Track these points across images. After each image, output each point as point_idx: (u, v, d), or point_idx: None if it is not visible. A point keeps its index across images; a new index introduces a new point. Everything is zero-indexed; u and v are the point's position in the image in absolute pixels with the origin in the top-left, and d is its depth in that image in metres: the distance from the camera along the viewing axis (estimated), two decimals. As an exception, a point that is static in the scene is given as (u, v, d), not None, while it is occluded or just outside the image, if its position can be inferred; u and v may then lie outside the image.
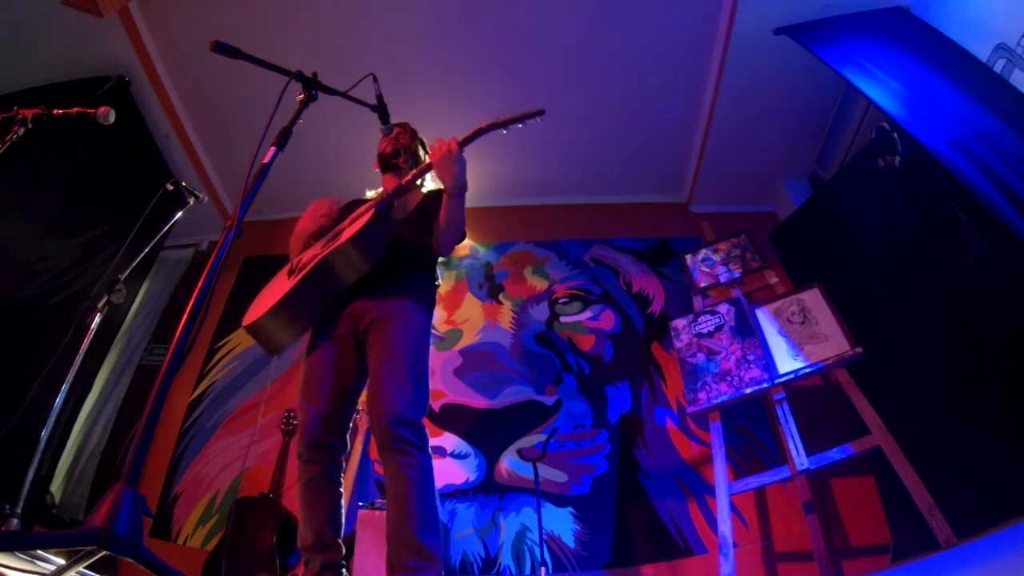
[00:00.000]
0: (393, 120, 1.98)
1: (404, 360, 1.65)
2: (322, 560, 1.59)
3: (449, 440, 3.22)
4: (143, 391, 3.58)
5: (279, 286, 1.76)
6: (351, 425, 1.82)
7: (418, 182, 2.15)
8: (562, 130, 3.93)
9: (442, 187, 1.85)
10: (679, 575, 2.73)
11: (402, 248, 1.86)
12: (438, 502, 1.57)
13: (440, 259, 2.07)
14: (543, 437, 3.16)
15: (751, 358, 2.61)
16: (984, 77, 2.38)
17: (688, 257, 3.46)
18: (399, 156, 2.11)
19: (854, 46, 2.73)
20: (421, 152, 2.22)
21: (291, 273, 1.78)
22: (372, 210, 1.72)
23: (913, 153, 2.53)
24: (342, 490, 1.72)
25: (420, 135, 2.26)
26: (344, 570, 1.63)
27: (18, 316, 2.97)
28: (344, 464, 1.76)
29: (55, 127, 1.93)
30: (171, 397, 3.50)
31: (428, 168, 1.82)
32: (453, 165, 1.74)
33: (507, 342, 3.67)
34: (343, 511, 1.70)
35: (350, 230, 1.69)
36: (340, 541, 1.66)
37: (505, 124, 1.71)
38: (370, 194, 2.21)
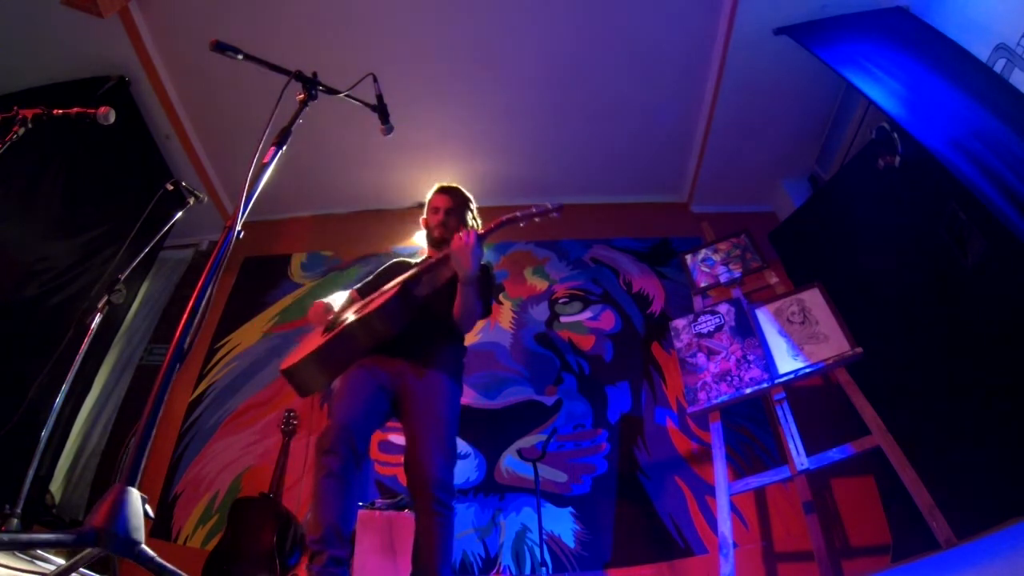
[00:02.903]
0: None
1: (445, 433, 1.84)
2: (330, 555, 1.60)
3: (449, 440, 3.22)
4: (143, 391, 3.58)
5: (314, 340, 1.93)
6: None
7: None
8: (562, 130, 3.93)
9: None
10: (679, 575, 2.73)
11: (435, 318, 1.99)
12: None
13: None
14: (543, 437, 3.16)
15: (751, 358, 2.61)
16: (984, 77, 2.38)
17: (688, 257, 3.46)
18: (445, 243, 2.11)
19: (854, 46, 2.73)
20: (469, 217, 2.24)
21: (327, 329, 1.93)
22: (400, 286, 1.87)
23: (913, 153, 2.53)
24: (356, 490, 1.75)
25: (471, 204, 2.27)
26: (347, 568, 1.64)
27: (18, 316, 2.97)
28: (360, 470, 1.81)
29: (55, 127, 1.93)
30: (171, 397, 3.48)
31: (447, 259, 1.90)
32: (468, 257, 1.84)
33: (507, 342, 3.67)
34: (354, 511, 1.76)
35: (377, 302, 1.86)
36: (348, 538, 1.68)
37: (525, 219, 1.85)
38: (415, 253, 2.27)
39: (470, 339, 3.67)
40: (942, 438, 2.32)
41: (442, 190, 2.24)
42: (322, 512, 1.65)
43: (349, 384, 1.89)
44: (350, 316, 1.90)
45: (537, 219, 1.86)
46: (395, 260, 2.29)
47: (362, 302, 2.02)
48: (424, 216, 2.24)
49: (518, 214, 1.84)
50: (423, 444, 1.79)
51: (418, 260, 2.26)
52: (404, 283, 1.89)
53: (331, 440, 1.70)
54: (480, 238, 1.88)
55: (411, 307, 1.90)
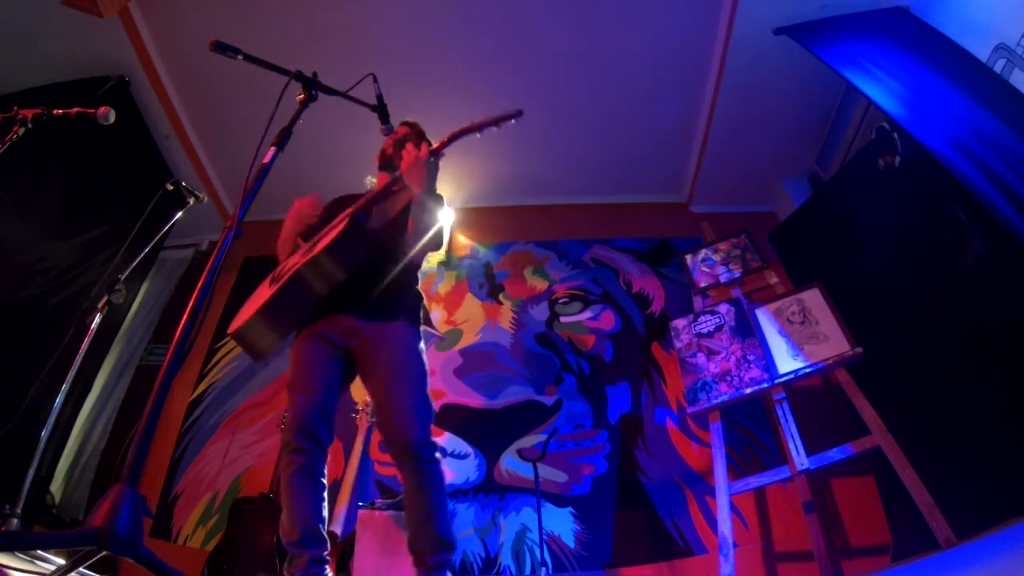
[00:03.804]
0: (399, 119, 1.97)
1: (416, 386, 1.77)
2: (311, 556, 1.59)
3: (449, 440, 3.22)
4: (143, 391, 3.58)
5: (261, 294, 1.79)
6: (353, 425, 1.83)
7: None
8: (562, 130, 3.93)
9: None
10: (679, 575, 2.72)
11: (387, 258, 1.87)
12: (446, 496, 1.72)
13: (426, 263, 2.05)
14: (543, 437, 3.16)
15: (751, 358, 2.61)
16: (984, 77, 2.38)
17: (688, 257, 3.46)
18: (397, 166, 2.09)
19: (854, 46, 2.73)
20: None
21: (272, 281, 1.80)
22: (348, 220, 1.73)
23: (913, 153, 2.53)
24: (325, 482, 1.73)
25: (427, 136, 2.23)
26: (327, 566, 1.62)
27: (18, 316, 2.97)
28: (328, 457, 1.77)
29: (55, 127, 1.93)
30: (171, 397, 3.50)
31: (400, 179, 1.79)
32: (420, 171, 1.74)
33: (507, 342, 3.67)
34: (326, 504, 1.71)
35: (325, 240, 1.72)
36: (325, 535, 1.66)
37: (480, 127, 1.66)
38: (370, 178, 2.21)
39: (469, 339, 3.71)
40: (942, 438, 2.31)
41: (404, 122, 2.17)
42: (296, 511, 1.63)
43: (300, 362, 1.79)
44: (297, 262, 1.73)
45: (496, 127, 1.64)
46: (341, 196, 2.15)
47: (307, 245, 1.84)
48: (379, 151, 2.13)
49: (474, 123, 1.65)
50: (393, 405, 1.71)
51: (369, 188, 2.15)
52: (353, 216, 1.74)
53: (292, 437, 1.68)
54: (433, 152, 1.74)
55: (363, 242, 1.76)
